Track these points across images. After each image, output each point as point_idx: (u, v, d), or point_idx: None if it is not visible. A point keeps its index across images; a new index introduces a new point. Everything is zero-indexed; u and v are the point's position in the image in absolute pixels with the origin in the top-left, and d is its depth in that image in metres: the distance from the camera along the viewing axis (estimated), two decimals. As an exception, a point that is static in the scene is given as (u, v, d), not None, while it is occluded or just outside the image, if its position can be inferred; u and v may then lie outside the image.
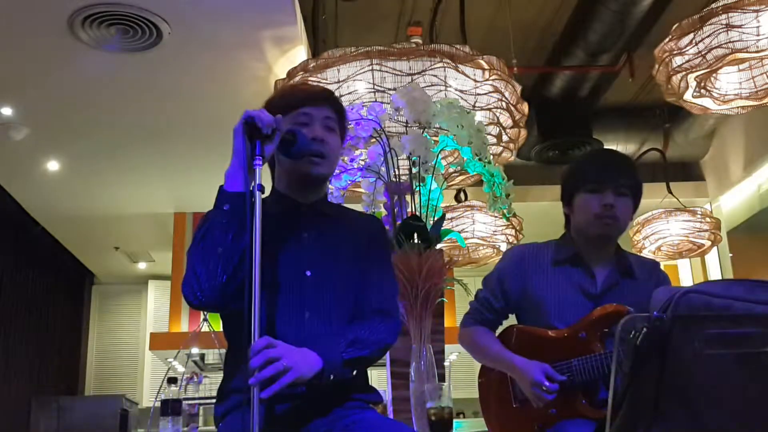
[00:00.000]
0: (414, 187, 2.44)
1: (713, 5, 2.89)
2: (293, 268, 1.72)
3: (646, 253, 5.08)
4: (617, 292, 2.15)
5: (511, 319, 2.33)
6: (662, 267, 2.37)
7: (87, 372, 7.63)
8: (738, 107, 3.31)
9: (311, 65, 2.82)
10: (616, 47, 4.73)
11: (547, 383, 2.02)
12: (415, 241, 2.32)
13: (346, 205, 2.09)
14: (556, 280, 2.19)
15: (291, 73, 2.90)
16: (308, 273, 1.72)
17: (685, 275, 6.99)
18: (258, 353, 1.48)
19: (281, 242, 1.73)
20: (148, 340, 6.49)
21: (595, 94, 5.38)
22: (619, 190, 2.13)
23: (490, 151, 2.70)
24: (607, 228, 2.15)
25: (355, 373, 1.68)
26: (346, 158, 2.54)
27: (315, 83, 2.74)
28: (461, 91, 2.75)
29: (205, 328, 5.01)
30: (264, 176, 1.61)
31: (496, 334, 2.30)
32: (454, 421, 1.94)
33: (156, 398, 5.15)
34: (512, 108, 2.90)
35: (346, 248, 1.79)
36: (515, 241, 4.71)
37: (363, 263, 1.79)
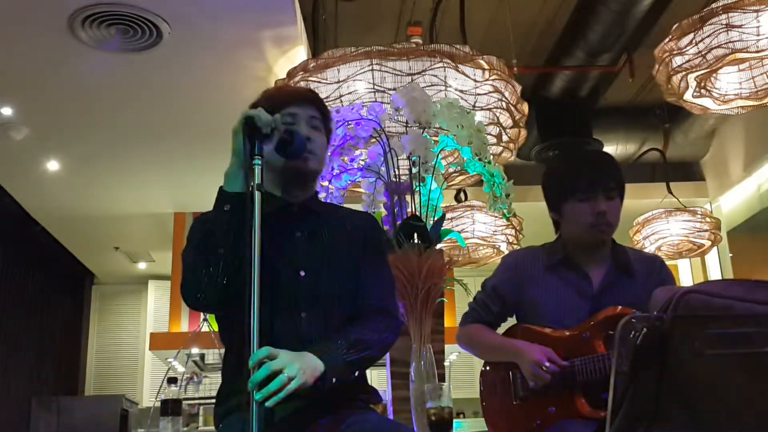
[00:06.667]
0: (414, 187, 2.44)
1: (713, 5, 2.89)
2: (286, 269, 1.70)
3: (647, 253, 5.07)
4: (615, 291, 2.14)
5: (511, 321, 2.33)
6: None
7: (87, 372, 7.62)
8: (738, 107, 3.30)
9: (311, 65, 2.81)
10: (616, 47, 4.74)
11: (547, 363, 2.02)
12: (415, 241, 2.32)
13: (346, 205, 2.08)
14: (551, 285, 2.18)
15: (291, 73, 2.90)
16: (302, 273, 1.71)
17: (685, 275, 6.99)
18: (259, 366, 1.46)
19: (273, 243, 1.70)
20: (148, 340, 6.48)
21: (595, 94, 5.38)
22: (608, 194, 2.12)
23: (490, 151, 2.70)
24: (602, 234, 2.15)
25: (357, 373, 1.68)
26: (346, 158, 2.54)
27: (315, 83, 2.74)
28: (461, 91, 2.74)
29: (205, 328, 5.02)
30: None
31: (502, 333, 2.30)
32: (454, 421, 1.93)
33: (156, 398, 5.17)
34: (512, 108, 2.90)
35: (341, 246, 1.77)
36: (515, 241, 4.71)
37: (359, 261, 1.77)
